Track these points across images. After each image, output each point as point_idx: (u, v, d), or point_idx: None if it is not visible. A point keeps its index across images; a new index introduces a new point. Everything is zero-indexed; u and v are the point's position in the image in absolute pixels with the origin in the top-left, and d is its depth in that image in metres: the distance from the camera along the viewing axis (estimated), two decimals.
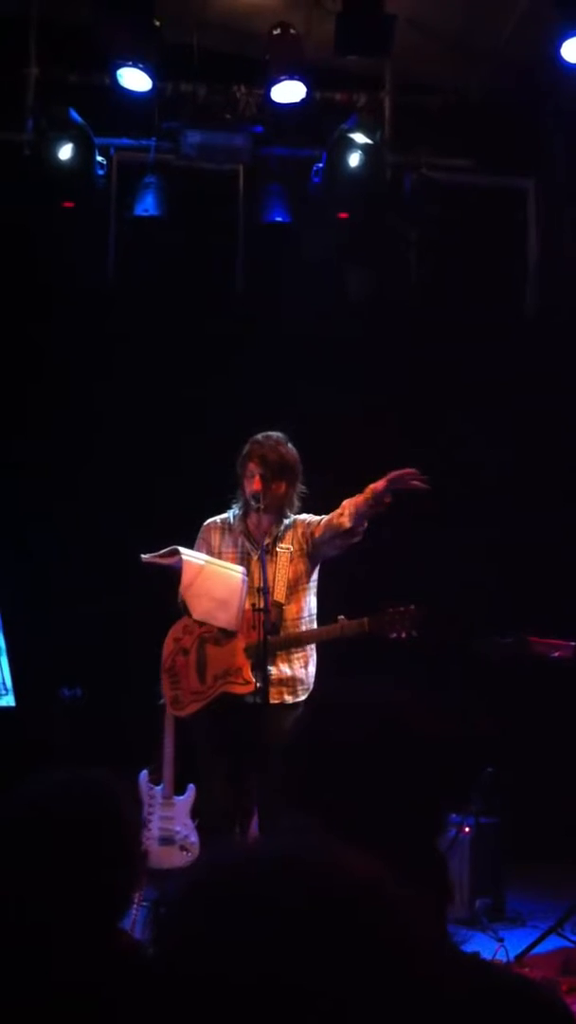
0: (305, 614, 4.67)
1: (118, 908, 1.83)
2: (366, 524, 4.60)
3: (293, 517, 4.73)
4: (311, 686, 4.65)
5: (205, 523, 4.84)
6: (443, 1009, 0.78)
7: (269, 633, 4.46)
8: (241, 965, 0.75)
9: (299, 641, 4.60)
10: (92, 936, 1.74)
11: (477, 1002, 1.25)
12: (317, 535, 4.67)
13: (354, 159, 6.49)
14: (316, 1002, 0.73)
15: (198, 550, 4.76)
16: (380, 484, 4.52)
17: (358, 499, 4.58)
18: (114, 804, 1.88)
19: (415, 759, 1.54)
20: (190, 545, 4.66)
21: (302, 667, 4.63)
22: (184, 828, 5.68)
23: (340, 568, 4.87)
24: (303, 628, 4.66)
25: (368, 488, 4.55)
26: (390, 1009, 0.74)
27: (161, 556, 4.53)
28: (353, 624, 4.46)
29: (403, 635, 4.39)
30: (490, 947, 4.96)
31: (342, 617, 4.52)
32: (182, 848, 5.57)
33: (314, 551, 4.71)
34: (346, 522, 4.58)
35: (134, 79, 6.21)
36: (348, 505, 4.60)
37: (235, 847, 0.91)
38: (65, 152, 6.31)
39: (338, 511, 4.64)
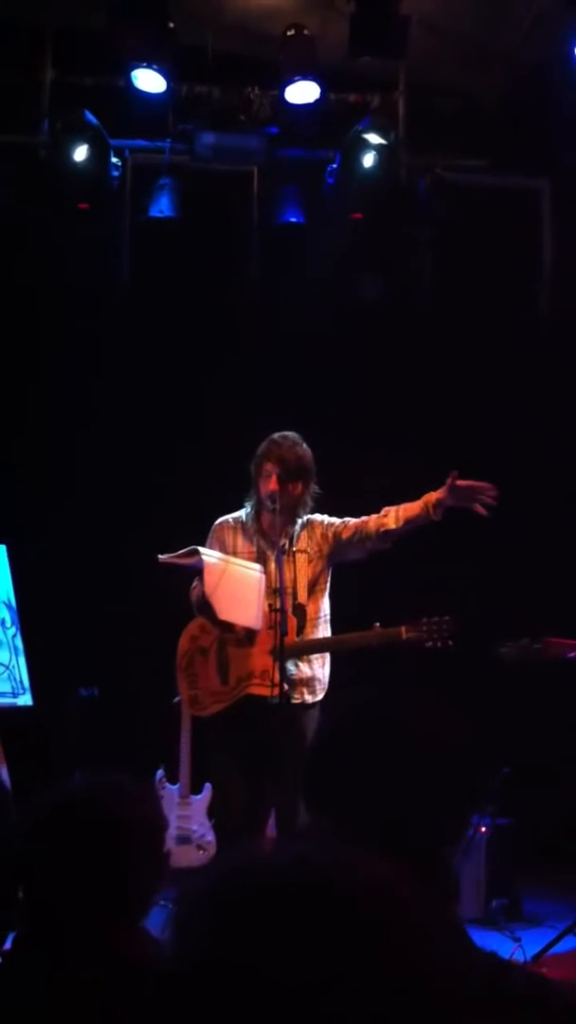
0: (321, 615, 4.68)
1: (139, 909, 1.84)
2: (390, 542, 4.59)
3: (307, 517, 4.73)
4: (327, 685, 4.65)
5: (217, 522, 4.82)
6: (458, 1009, 0.78)
7: (294, 635, 4.47)
8: (254, 966, 0.75)
9: (328, 646, 4.62)
10: (112, 935, 1.75)
11: (495, 1001, 1.26)
12: (344, 536, 4.64)
13: (368, 160, 6.49)
14: (329, 1002, 0.73)
15: (209, 547, 4.75)
16: (440, 495, 4.48)
17: (410, 506, 4.54)
18: (139, 807, 1.90)
19: (424, 762, 1.55)
20: (201, 546, 4.64)
21: (320, 667, 4.64)
22: (201, 827, 5.70)
23: (349, 571, 4.87)
24: (320, 629, 4.65)
25: (424, 498, 4.51)
26: (403, 1010, 0.75)
27: (179, 556, 4.51)
28: (390, 632, 4.45)
29: (439, 645, 4.38)
30: (507, 947, 4.96)
31: (378, 624, 4.50)
32: (199, 847, 5.60)
33: (334, 553, 4.69)
34: (391, 523, 4.55)
35: (149, 81, 6.22)
36: (396, 510, 4.56)
37: (251, 848, 0.91)
38: (80, 154, 6.33)
39: (380, 515, 4.60)
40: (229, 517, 4.81)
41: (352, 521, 4.66)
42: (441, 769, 1.56)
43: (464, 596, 6.22)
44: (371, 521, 4.61)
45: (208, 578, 4.44)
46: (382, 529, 4.57)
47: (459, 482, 4.40)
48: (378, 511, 4.68)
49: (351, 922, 0.77)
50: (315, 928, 0.77)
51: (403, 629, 4.41)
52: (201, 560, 4.43)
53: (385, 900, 0.80)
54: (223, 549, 4.74)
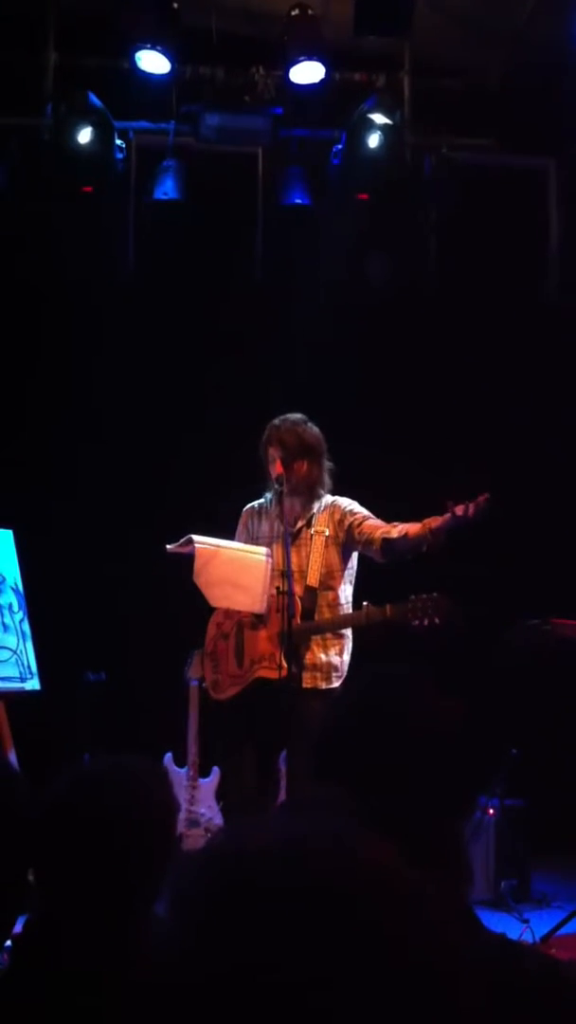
0: (342, 600, 4.64)
1: (150, 892, 1.84)
2: (389, 557, 4.50)
3: (329, 498, 4.70)
4: (344, 673, 4.61)
5: (244, 508, 4.87)
6: (462, 1001, 0.77)
7: (303, 618, 4.46)
8: (243, 951, 0.74)
9: (321, 628, 4.58)
10: (122, 919, 1.75)
11: (504, 988, 1.25)
12: (355, 533, 4.58)
13: (374, 140, 6.45)
14: (327, 997, 0.72)
15: (238, 535, 4.79)
16: (440, 523, 4.30)
17: (413, 525, 4.41)
18: (150, 789, 1.89)
19: (438, 742, 1.54)
20: (210, 531, 4.64)
21: (337, 654, 4.59)
22: (209, 811, 5.71)
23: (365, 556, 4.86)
24: (341, 611, 4.64)
25: (425, 521, 4.37)
26: (404, 1003, 0.74)
27: (179, 546, 4.53)
28: (375, 611, 4.43)
29: (426, 623, 4.34)
30: (515, 928, 4.97)
31: (367, 604, 4.49)
32: (207, 831, 5.61)
33: (347, 544, 4.66)
34: (393, 533, 4.45)
35: (153, 62, 6.19)
36: (402, 525, 4.46)
37: (244, 831, 0.90)
38: (84, 136, 6.30)
39: (390, 525, 4.52)
40: (255, 502, 4.85)
41: (369, 522, 4.58)
42: (448, 744, 1.56)
43: (472, 577, 6.23)
44: (379, 528, 4.53)
45: (197, 565, 4.43)
46: (384, 536, 4.48)
47: (457, 509, 4.23)
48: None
49: (349, 914, 0.76)
50: (312, 922, 0.75)
51: (388, 607, 4.37)
52: (194, 548, 4.43)
53: (385, 889, 0.79)
54: (247, 533, 4.79)
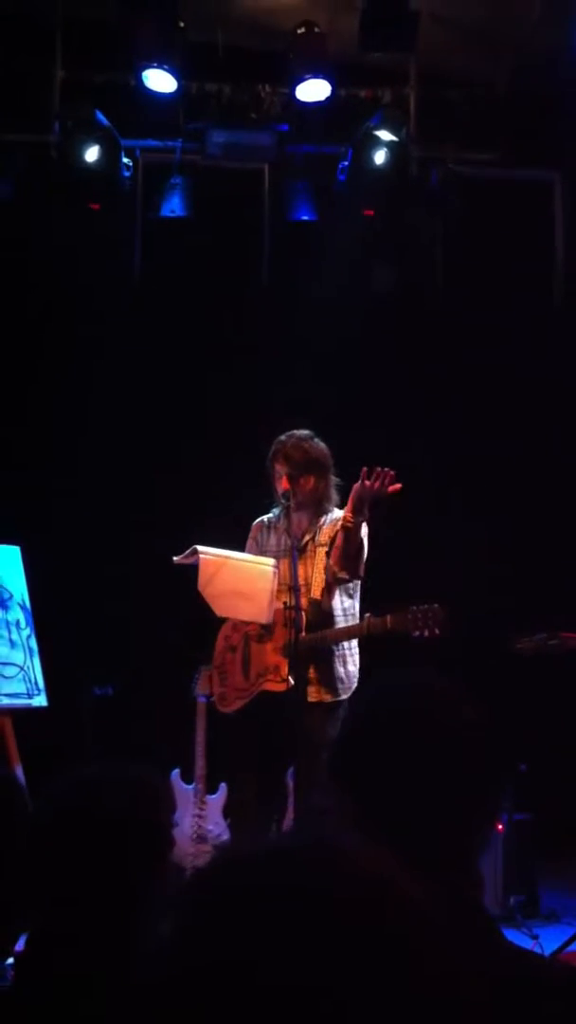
0: (339, 610, 4.65)
1: (147, 899, 1.83)
2: (344, 570, 4.46)
3: (337, 512, 4.70)
4: (353, 685, 4.60)
5: (254, 522, 4.88)
6: (459, 999, 0.77)
7: (308, 630, 4.46)
8: (235, 954, 0.74)
9: (327, 639, 4.58)
10: (120, 933, 1.75)
11: (516, 991, 1.25)
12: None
13: (380, 156, 6.48)
14: (317, 1000, 0.72)
15: (247, 548, 4.79)
16: (347, 509, 4.34)
17: (338, 538, 4.43)
18: (142, 800, 1.89)
19: (450, 748, 1.54)
20: (217, 542, 4.65)
21: (341, 665, 4.59)
22: (216, 827, 5.70)
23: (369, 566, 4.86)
24: (340, 625, 4.64)
25: (342, 517, 4.40)
26: (393, 1007, 0.74)
27: (185, 557, 4.54)
28: (376, 622, 4.43)
29: (426, 634, 4.34)
30: (525, 944, 4.95)
31: (368, 615, 4.49)
32: (215, 847, 5.59)
33: None
34: (334, 568, 4.50)
35: (159, 80, 6.22)
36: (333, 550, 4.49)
37: (243, 842, 0.90)
38: (91, 154, 6.34)
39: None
40: (264, 517, 4.87)
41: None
42: (458, 749, 1.55)
43: (480, 589, 6.23)
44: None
45: (200, 575, 4.44)
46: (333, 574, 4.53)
47: (355, 486, 4.28)
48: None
49: (344, 918, 0.76)
50: (306, 926, 0.75)
51: (388, 618, 4.37)
52: (199, 558, 4.44)
53: (380, 893, 0.79)
54: (257, 546, 4.80)
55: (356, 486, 4.31)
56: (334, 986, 0.73)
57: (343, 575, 4.49)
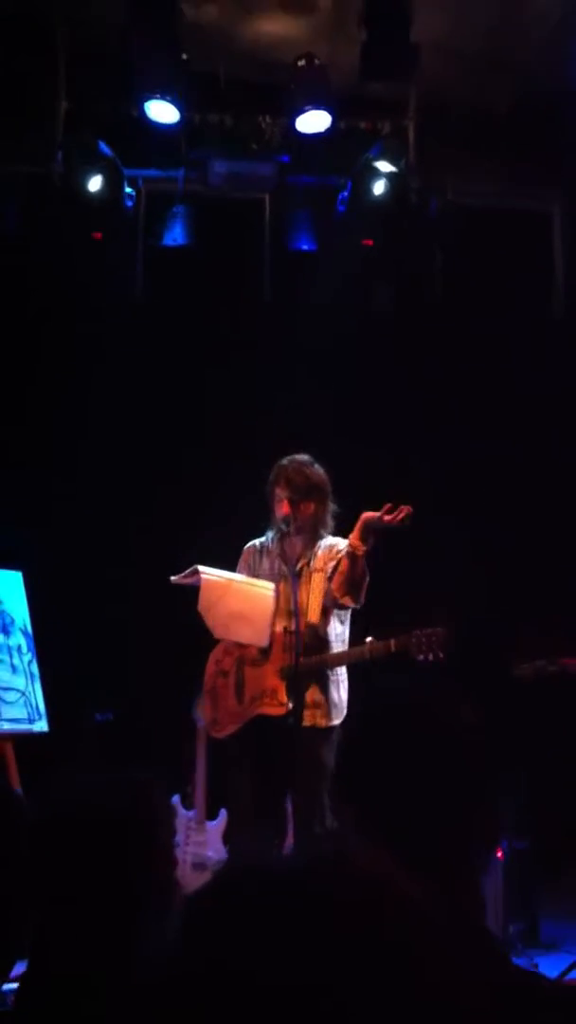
0: (333, 636, 4.67)
1: (149, 907, 1.83)
2: (349, 596, 4.51)
3: (331, 539, 4.74)
4: (344, 710, 4.63)
5: (246, 546, 4.89)
6: (458, 1002, 0.78)
7: (303, 655, 4.47)
8: (240, 966, 0.75)
9: (327, 663, 4.60)
10: (121, 936, 1.74)
11: (509, 1000, 1.25)
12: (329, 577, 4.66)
13: (379, 187, 6.54)
14: (317, 1000, 0.73)
15: (239, 571, 4.80)
16: (355, 536, 4.44)
17: (343, 564, 4.50)
18: (147, 795, 1.90)
19: (449, 747, 1.54)
20: (215, 563, 4.67)
21: (336, 690, 4.62)
22: (216, 853, 5.69)
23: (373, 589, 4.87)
24: (334, 650, 4.65)
25: (348, 544, 4.48)
26: (393, 1008, 0.74)
27: (184, 577, 4.56)
28: (379, 646, 4.45)
29: (430, 657, 4.37)
30: None
31: (370, 639, 4.51)
32: (215, 872, 5.59)
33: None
34: (336, 594, 4.56)
35: (161, 111, 6.29)
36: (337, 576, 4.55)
37: (248, 855, 0.92)
38: (94, 184, 6.40)
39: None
40: (256, 540, 4.88)
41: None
42: (468, 763, 1.55)
43: (478, 611, 6.23)
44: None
45: (204, 596, 4.47)
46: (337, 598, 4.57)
47: (366, 515, 4.38)
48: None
49: (345, 920, 0.77)
50: (309, 931, 0.76)
51: (392, 642, 4.40)
52: (200, 579, 4.46)
53: (381, 895, 0.80)
54: (249, 571, 4.80)
55: (367, 515, 4.36)
56: (333, 985, 0.74)
57: (346, 600, 4.52)
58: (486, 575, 6.56)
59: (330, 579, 4.59)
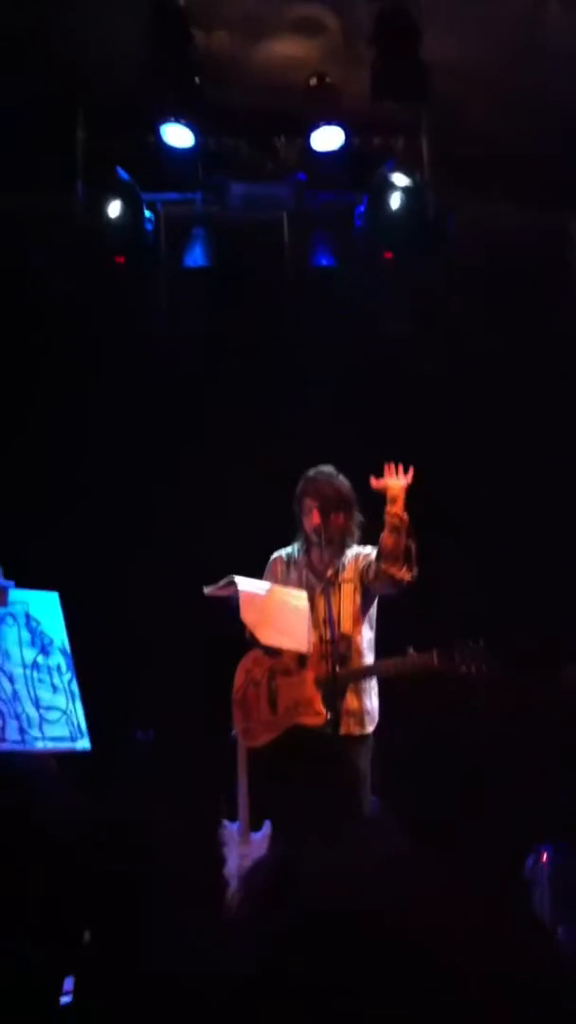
0: (365, 644, 4.70)
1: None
2: (405, 568, 4.58)
3: (357, 548, 4.78)
4: (376, 717, 4.65)
5: (272, 556, 4.93)
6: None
7: (338, 664, 4.49)
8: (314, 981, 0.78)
9: (367, 673, 4.62)
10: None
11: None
12: (368, 570, 4.70)
13: (395, 200, 6.61)
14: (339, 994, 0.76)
15: (267, 581, 4.82)
16: (396, 506, 4.56)
17: (387, 542, 4.58)
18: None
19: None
20: (247, 575, 4.70)
21: (368, 699, 4.65)
22: None
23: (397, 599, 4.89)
24: (366, 658, 4.67)
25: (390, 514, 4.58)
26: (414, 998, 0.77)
27: (220, 588, 4.59)
28: (421, 659, 4.46)
29: (473, 670, 4.38)
30: None
31: (411, 650, 4.52)
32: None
33: (369, 586, 4.74)
34: (391, 570, 4.60)
35: (178, 136, 6.38)
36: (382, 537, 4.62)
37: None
38: (114, 210, 6.50)
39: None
40: (283, 552, 4.92)
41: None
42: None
43: (520, 619, 6.22)
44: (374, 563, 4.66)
45: (244, 608, 4.49)
46: (379, 572, 4.62)
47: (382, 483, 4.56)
48: None
49: (402, 942, 0.80)
50: (365, 946, 0.79)
51: (435, 655, 4.41)
52: (237, 591, 4.50)
53: (437, 919, 0.83)
54: (276, 582, 4.84)
55: (383, 482, 4.45)
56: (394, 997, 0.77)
57: (403, 574, 4.53)
58: (513, 585, 6.57)
59: (369, 569, 4.63)
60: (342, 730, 4.52)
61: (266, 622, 4.52)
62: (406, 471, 4.52)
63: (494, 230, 7.06)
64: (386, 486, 4.50)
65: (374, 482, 4.55)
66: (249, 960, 0.82)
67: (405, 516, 4.47)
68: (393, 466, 4.48)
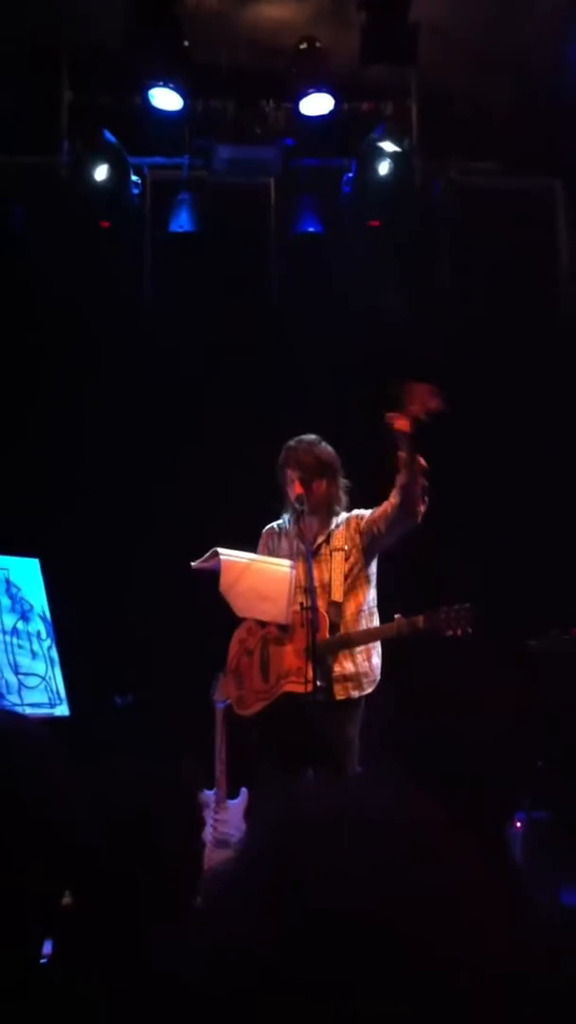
0: (364, 608, 4.70)
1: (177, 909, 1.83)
2: (421, 502, 4.56)
3: (344, 514, 4.78)
4: (377, 678, 4.66)
5: (264, 528, 4.94)
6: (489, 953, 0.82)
7: (330, 631, 4.52)
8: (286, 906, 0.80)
9: (352, 642, 4.64)
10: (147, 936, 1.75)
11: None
12: (375, 528, 4.69)
13: (383, 167, 6.57)
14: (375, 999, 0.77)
15: (259, 554, 4.84)
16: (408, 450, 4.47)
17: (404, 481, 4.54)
18: (178, 803, 1.91)
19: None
20: (230, 547, 4.71)
21: (365, 660, 4.64)
22: (238, 831, 5.74)
23: (387, 565, 4.91)
24: (362, 623, 4.67)
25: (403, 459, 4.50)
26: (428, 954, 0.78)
27: (204, 562, 4.61)
28: (408, 623, 4.49)
29: (459, 633, 4.42)
30: None
31: (399, 616, 4.55)
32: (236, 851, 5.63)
33: (370, 545, 4.72)
34: (393, 499, 4.57)
35: (165, 99, 6.32)
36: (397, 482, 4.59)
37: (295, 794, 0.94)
38: (100, 173, 6.44)
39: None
40: (274, 523, 4.94)
41: (378, 510, 4.70)
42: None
43: (492, 586, 6.26)
44: (385, 505, 4.66)
45: (225, 576, 4.51)
46: (391, 508, 4.59)
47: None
48: None
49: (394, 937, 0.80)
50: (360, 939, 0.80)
51: (422, 619, 4.43)
52: (219, 561, 4.51)
53: (434, 914, 0.83)
54: (268, 553, 4.86)
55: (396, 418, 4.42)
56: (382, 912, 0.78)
57: (422, 508, 4.53)
58: (497, 551, 6.60)
59: (373, 525, 4.66)
60: (339, 695, 4.54)
61: (246, 592, 4.53)
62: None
63: (479, 193, 7.03)
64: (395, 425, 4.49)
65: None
66: (244, 950, 0.84)
67: (414, 457, 4.46)
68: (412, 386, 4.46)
